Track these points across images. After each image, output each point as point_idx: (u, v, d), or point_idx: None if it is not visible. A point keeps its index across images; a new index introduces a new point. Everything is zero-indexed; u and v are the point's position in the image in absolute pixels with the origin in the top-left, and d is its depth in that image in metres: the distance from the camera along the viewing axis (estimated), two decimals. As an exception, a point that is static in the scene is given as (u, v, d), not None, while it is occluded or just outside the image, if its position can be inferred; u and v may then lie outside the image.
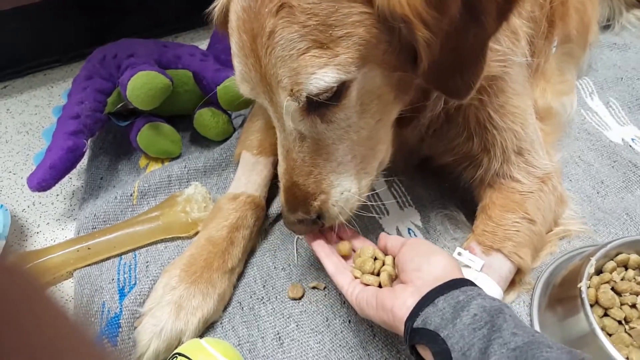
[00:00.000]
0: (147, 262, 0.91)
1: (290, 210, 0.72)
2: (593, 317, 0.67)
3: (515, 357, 0.50)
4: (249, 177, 0.94)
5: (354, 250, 0.76)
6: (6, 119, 1.33)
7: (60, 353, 0.26)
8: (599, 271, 0.76)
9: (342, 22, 0.58)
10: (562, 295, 0.75)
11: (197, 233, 0.92)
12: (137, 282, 0.87)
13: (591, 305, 0.70)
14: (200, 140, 1.16)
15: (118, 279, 0.88)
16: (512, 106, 0.81)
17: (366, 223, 0.92)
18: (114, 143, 1.18)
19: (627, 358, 0.66)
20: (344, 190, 0.72)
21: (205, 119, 1.10)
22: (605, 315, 0.71)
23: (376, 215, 0.94)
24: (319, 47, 0.58)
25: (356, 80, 0.62)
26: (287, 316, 0.81)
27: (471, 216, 0.89)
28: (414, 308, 0.59)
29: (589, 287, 0.72)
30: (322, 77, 0.59)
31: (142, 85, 0.98)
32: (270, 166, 0.96)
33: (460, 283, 0.59)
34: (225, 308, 0.83)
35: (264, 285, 0.85)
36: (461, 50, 0.62)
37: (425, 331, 0.57)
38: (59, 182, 0.96)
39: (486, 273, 0.75)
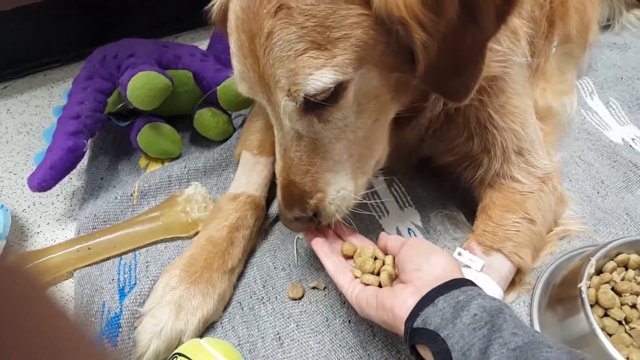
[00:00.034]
0: (147, 262, 0.91)
1: (287, 207, 0.73)
2: (593, 318, 0.67)
3: (515, 357, 0.50)
4: (249, 177, 0.94)
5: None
6: (6, 119, 1.33)
7: (60, 353, 0.26)
8: (599, 271, 0.76)
9: (339, 24, 0.58)
10: (562, 295, 0.75)
11: (197, 233, 0.92)
12: (137, 282, 0.87)
13: (591, 306, 0.70)
14: (200, 140, 1.16)
15: (118, 279, 0.88)
16: (513, 106, 0.81)
17: (366, 223, 0.92)
18: (114, 143, 1.18)
19: (627, 358, 0.66)
20: (340, 189, 0.72)
21: (205, 119, 1.10)
22: (606, 315, 0.71)
23: (376, 215, 0.94)
24: (316, 48, 0.59)
25: (353, 81, 0.63)
26: (287, 316, 0.81)
27: (471, 216, 0.89)
28: (414, 308, 0.59)
29: (589, 287, 0.72)
30: (320, 78, 0.59)
31: (142, 85, 0.98)
32: (270, 166, 0.96)
33: (461, 283, 0.59)
34: (225, 308, 0.83)
35: (264, 286, 0.85)
36: (459, 52, 0.62)
37: (425, 331, 0.57)
38: (59, 182, 0.96)
39: (486, 273, 0.75)
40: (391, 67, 0.64)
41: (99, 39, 1.25)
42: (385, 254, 0.73)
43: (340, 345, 0.76)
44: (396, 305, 0.60)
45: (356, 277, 0.70)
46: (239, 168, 0.98)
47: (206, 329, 0.80)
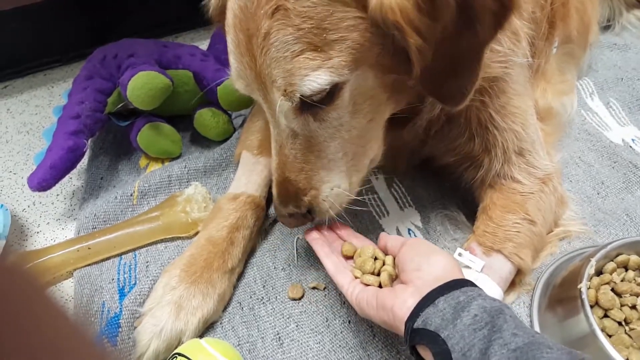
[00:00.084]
0: (147, 262, 0.91)
1: (282, 203, 0.74)
2: (593, 318, 0.67)
3: (515, 357, 0.50)
4: (249, 177, 0.94)
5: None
6: (6, 119, 1.33)
7: (60, 353, 0.26)
8: (599, 272, 0.76)
9: (336, 26, 0.59)
10: (562, 296, 0.75)
11: (197, 233, 0.92)
12: (137, 282, 0.87)
13: (591, 306, 0.70)
14: (200, 140, 1.16)
15: (118, 278, 0.88)
16: (513, 107, 0.81)
17: (366, 223, 0.92)
18: (114, 143, 1.18)
19: (627, 359, 0.66)
20: (335, 186, 0.73)
21: (206, 119, 1.10)
22: (605, 316, 0.71)
23: (376, 216, 0.94)
24: (313, 49, 0.59)
25: (349, 83, 0.63)
26: (287, 316, 0.81)
27: (472, 217, 0.89)
28: (415, 308, 0.59)
29: (589, 288, 0.72)
30: (315, 79, 0.60)
31: (142, 85, 0.98)
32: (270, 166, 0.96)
33: (461, 283, 0.59)
34: (225, 308, 0.83)
35: (264, 286, 0.85)
36: (455, 56, 0.62)
37: (426, 332, 0.57)
38: (59, 182, 0.96)
39: (486, 274, 0.75)
40: (387, 69, 0.65)
41: (99, 39, 1.25)
42: (386, 254, 0.73)
43: (340, 345, 0.76)
44: (396, 305, 0.60)
45: (356, 278, 0.70)
46: (239, 168, 0.98)
47: (206, 329, 0.80)
